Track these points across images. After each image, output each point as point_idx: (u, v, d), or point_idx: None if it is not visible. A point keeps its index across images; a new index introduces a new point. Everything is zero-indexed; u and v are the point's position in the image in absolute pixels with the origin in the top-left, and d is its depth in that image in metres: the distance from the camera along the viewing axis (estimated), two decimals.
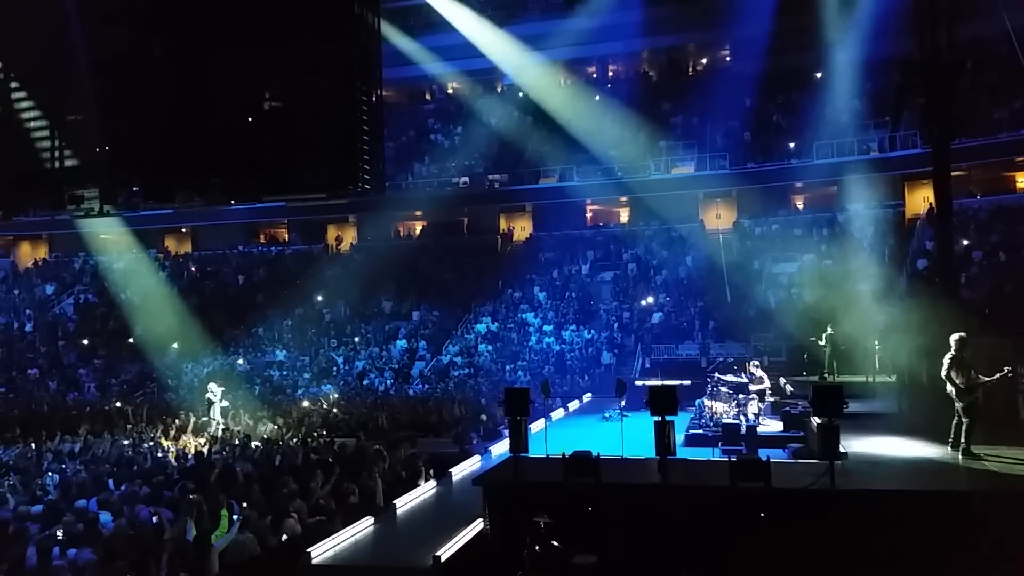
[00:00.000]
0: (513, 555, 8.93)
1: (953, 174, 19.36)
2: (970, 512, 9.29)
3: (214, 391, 21.24)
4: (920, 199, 31.91)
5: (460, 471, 14.44)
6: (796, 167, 34.40)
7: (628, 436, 12.99)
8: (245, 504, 11.26)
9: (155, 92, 15.63)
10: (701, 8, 37.24)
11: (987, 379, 11.21)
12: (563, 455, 10.54)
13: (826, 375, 19.30)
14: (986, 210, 29.94)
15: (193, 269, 40.92)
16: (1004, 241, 27.58)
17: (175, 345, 32.33)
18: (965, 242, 27.50)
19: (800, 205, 36.41)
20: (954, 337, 11.43)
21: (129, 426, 21.80)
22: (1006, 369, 11.21)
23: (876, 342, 19.39)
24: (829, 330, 20.33)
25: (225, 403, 21.43)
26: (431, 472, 14.50)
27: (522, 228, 39.60)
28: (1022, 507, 9.24)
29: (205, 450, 17.23)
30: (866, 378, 19.34)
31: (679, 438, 12.37)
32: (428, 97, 47.10)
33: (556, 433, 14.16)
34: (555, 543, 8.15)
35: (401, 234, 41.52)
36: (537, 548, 8.10)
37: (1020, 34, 30.65)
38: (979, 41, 31.16)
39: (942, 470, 10.99)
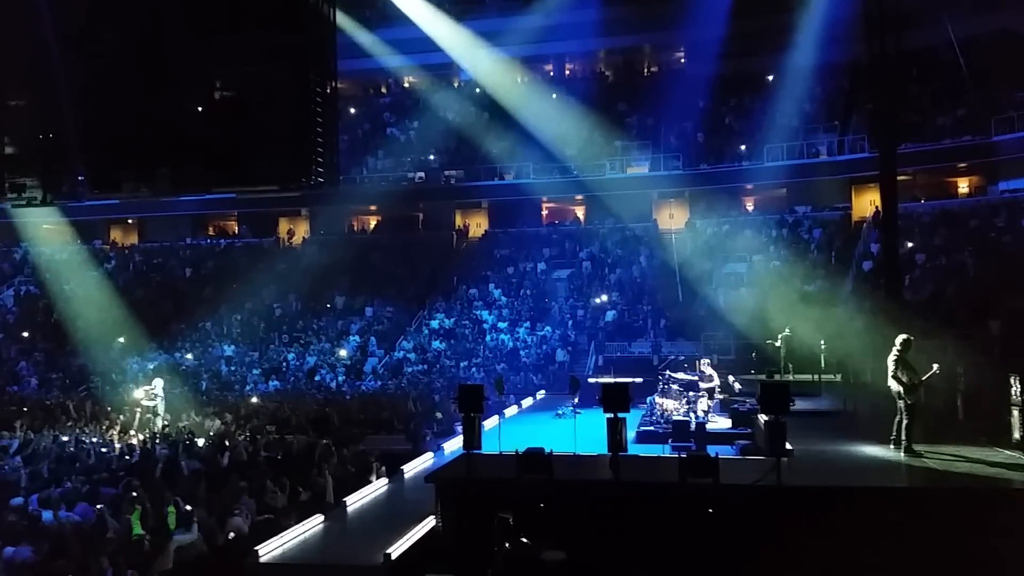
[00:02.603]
0: (465, 552, 8.91)
1: (899, 178, 19.87)
2: (911, 508, 9.56)
3: (156, 387, 20.74)
4: (867, 202, 32.66)
5: (412, 468, 14.36)
6: (747, 169, 34.94)
7: (581, 433, 13.07)
8: (191, 502, 11.05)
9: (102, 78, 15.20)
10: (657, 10, 37.57)
11: (924, 377, 11.56)
12: (516, 452, 10.56)
13: (779, 375, 19.51)
14: (929, 214, 30.75)
15: (139, 261, 39.98)
16: (946, 245, 28.38)
17: (120, 339, 31.55)
18: (909, 245, 28.22)
19: (750, 206, 37.01)
20: (900, 338, 11.74)
21: (71, 422, 21.22)
22: (935, 367, 11.56)
23: (822, 342, 19.79)
24: (787, 331, 20.55)
25: (154, 400, 20.64)
26: (383, 469, 14.39)
27: (478, 224, 39.51)
28: (960, 503, 9.55)
29: (149, 446, 16.86)
30: (812, 377, 19.71)
31: (630, 435, 12.48)
32: (384, 90, 46.68)
33: (509, 430, 14.16)
34: (523, 540, 8.10)
35: (355, 228, 41.10)
36: (507, 545, 8.04)
37: (963, 45, 31.81)
38: (925, 50, 32.02)
39: (884, 467, 11.28)
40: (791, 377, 19.26)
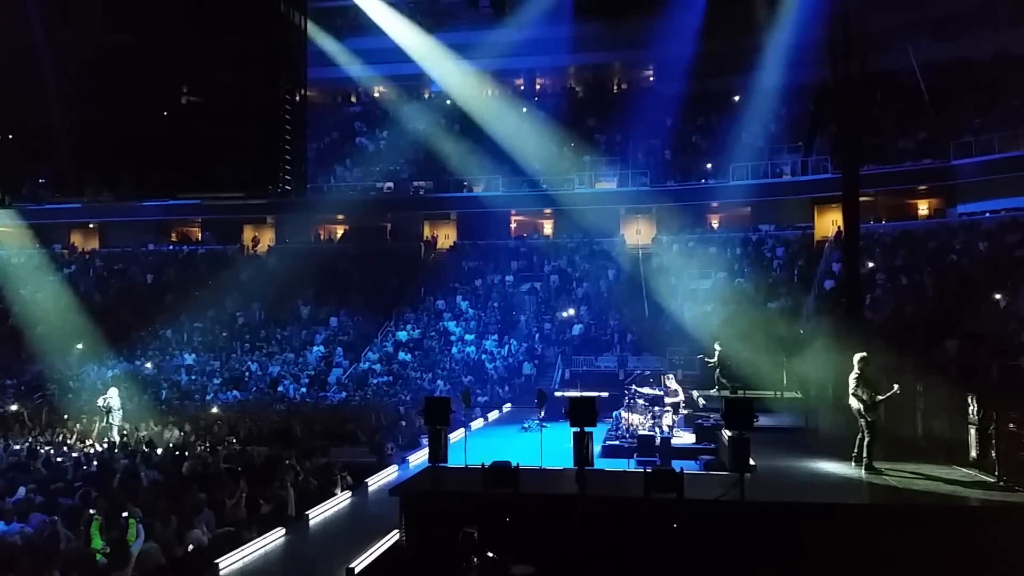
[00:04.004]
0: (429, 567, 8.83)
1: (860, 199, 20.25)
2: (871, 524, 9.69)
3: (112, 396, 20.31)
4: (829, 222, 33.25)
5: (376, 481, 14.25)
6: (712, 187, 35.43)
7: (547, 447, 13.04)
8: (150, 513, 10.81)
9: (66, 81, 14.97)
10: (627, 28, 37.93)
11: (883, 396, 11.76)
12: (482, 465, 10.52)
13: (720, 390, 19.56)
14: (890, 235, 31.36)
15: (100, 266, 39.24)
16: (906, 265, 28.95)
17: (79, 346, 30.91)
18: (870, 265, 28.73)
19: (716, 224, 37.47)
20: (857, 356, 11.94)
21: (26, 430, 20.69)
22: (895, 387, 11.78)
23: (784, 359, 20.00)
24: (717, 347, 20.63)
25: (109, 409, 20.16)
26: (347, 482, 14.24)
27: (446, 236, 39.48)
28: (919, 520, 9.70)
29: (107, 455, 16.49)
30: (775, 393, 19.92)
31: (596, 449, 12.51)
32: (354, 100, 46.51)
33: (476, 443, 14.11)
34: (491, 554, 8.04)
35: (322, 237, 40.78)
36: (475, 559, 7.96)
37: (924, 71, 32.64)
38: (888, 74, 32.79)
39: (845, 484, 11.43)
40: (716, 392, 19.27)
